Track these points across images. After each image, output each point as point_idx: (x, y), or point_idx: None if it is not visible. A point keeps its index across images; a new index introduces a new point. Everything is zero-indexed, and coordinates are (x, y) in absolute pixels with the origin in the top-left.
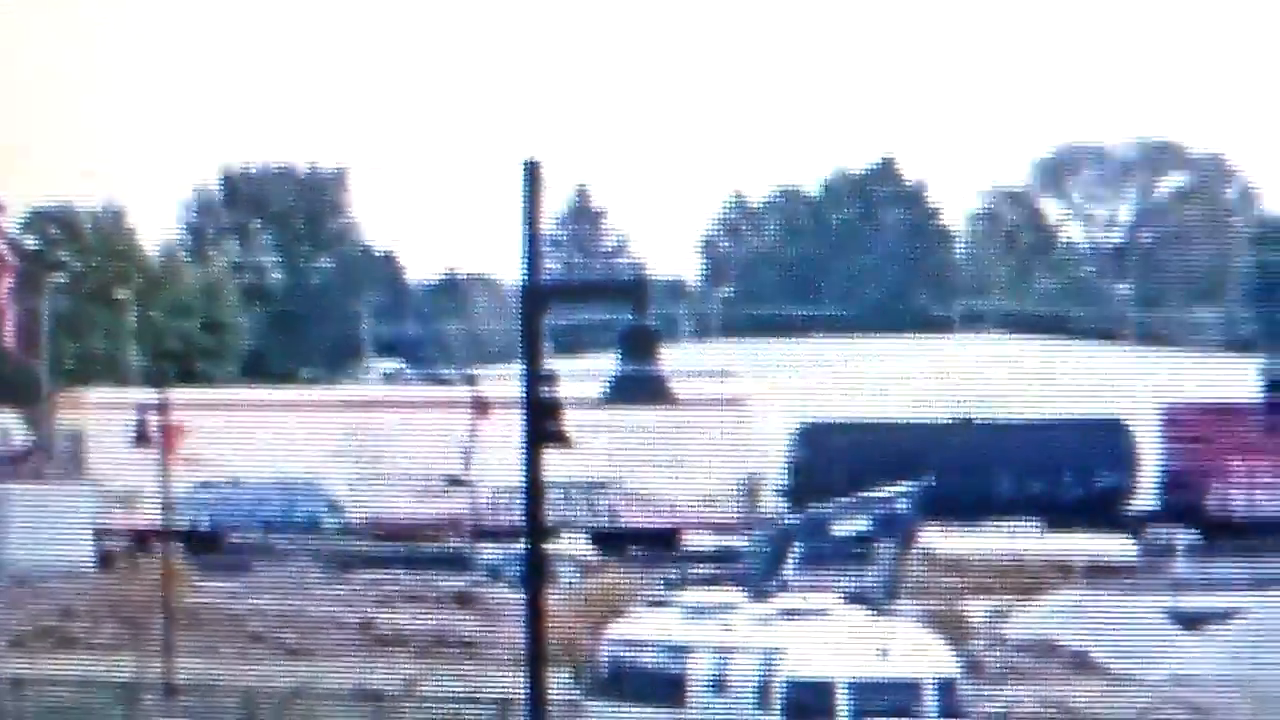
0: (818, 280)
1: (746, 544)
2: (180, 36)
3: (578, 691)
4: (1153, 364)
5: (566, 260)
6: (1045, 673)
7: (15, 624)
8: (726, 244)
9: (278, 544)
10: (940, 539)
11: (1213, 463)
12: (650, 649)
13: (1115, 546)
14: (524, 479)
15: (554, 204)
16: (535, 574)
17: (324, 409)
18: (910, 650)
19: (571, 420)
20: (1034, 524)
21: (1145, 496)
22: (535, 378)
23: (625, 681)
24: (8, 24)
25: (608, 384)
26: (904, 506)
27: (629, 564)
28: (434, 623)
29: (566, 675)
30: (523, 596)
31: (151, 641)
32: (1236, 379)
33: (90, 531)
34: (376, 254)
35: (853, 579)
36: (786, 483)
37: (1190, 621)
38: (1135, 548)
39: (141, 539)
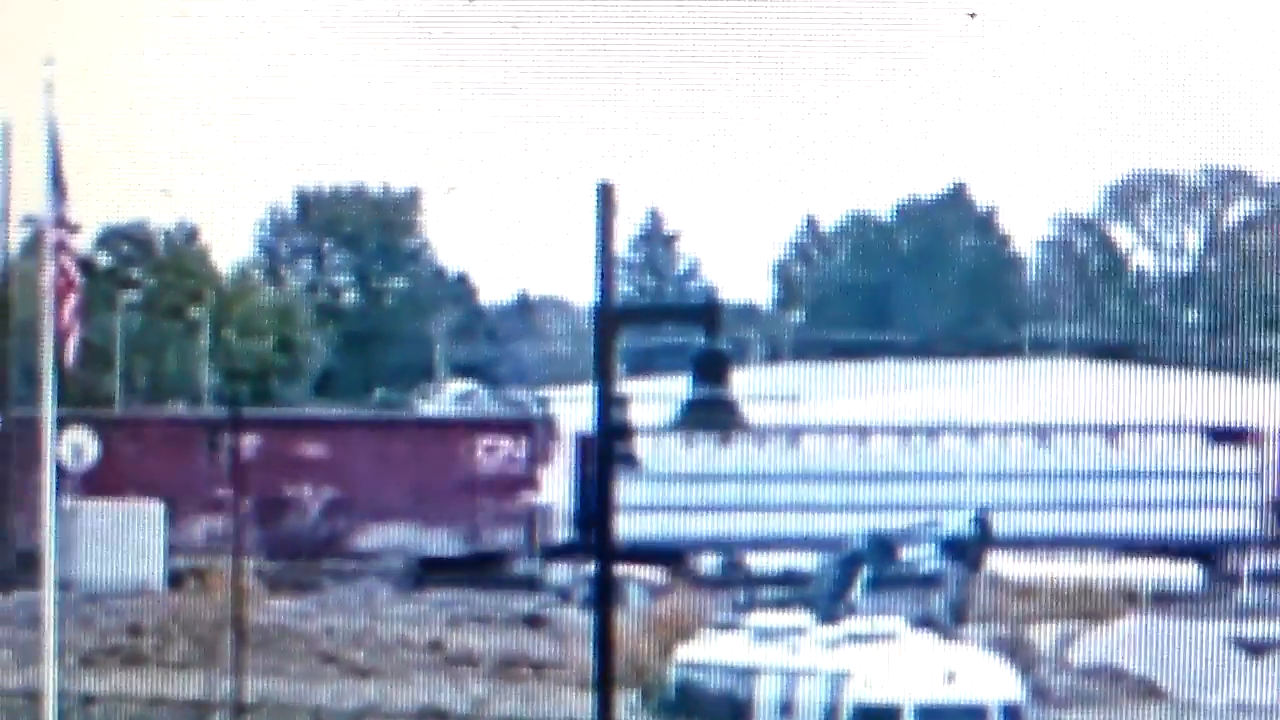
0: (889, 305)
1: (814, 568)
2: (255, 56)
3: (645, 713)
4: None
5: (639, 283)
6: (1110, 698)
7: (86, 641)
8: (799, 268)
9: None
10: (1008, 563)
11: None
12: (717, 672)
13: (1183, 573)
14: (596, 501)
15: (627, 227)
16: (604, 596)
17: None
18: (976, 674)
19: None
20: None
21: None
22: (608, 400)
23: (692, 704)
24: (83, 43)
25: (680, 407)
26: (971, 531)
27: (697, 586)
28: (503, 644)
29: (634, 697)
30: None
31: (221, 660)
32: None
33: (161, 549)
34: (450, 275)
35: (920, 603)
36: None
37: (1256, 649)
38: (1203, 575)
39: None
